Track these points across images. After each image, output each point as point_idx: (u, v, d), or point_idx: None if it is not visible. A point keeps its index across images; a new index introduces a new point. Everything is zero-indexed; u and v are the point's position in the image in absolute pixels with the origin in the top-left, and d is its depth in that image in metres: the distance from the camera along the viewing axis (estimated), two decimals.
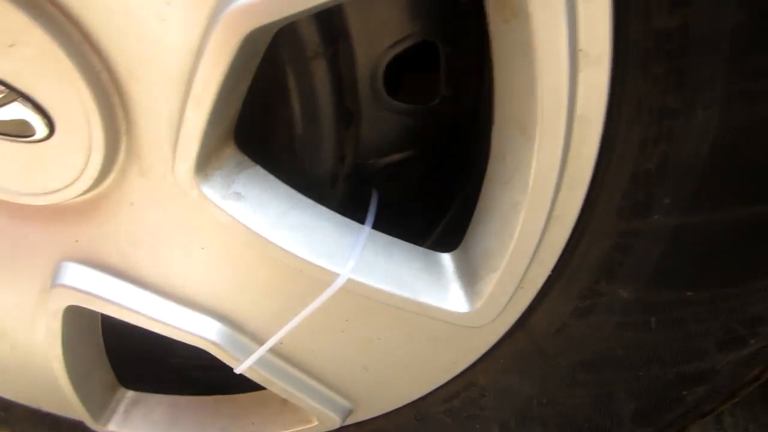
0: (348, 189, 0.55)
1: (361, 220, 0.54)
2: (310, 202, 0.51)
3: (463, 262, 0.54)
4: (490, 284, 0.51)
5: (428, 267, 0.54)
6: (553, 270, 0.52)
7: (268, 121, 0.49)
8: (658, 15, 0.39)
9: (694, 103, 0.41)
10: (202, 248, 0.53)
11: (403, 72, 0.56)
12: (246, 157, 0.49)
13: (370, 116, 0.52)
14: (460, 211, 0.63)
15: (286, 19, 0.37)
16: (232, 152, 0.49)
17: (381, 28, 0.48)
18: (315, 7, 0.36)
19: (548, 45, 0.38)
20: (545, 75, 0.39)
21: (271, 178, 0.49)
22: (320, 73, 0.46)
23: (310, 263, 0.49)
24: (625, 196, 0.46)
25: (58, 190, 0.54)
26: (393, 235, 0.55)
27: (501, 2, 0.39)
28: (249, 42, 0.38)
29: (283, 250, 0.49)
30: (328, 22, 0.46)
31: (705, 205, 0.45)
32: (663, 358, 0.56)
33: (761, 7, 0.37)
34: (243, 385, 0.65)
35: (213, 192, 0.47)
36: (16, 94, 0.48)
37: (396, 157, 0.58)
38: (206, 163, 0.46)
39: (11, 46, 0.45)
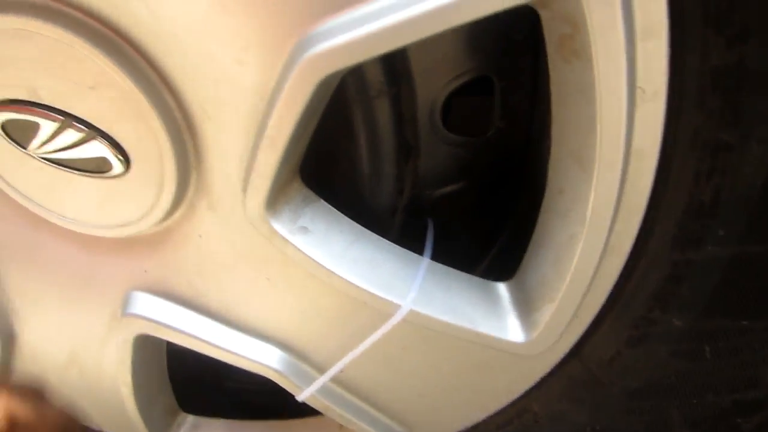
0: (406, 220, 0.57)
1: (419, 250, 0.56)
2: (371, 234, 0.53)
3: (519, 292, 0.55)
4: (546, 314, 0.53)
5: (485, 297, 0.55)
6: (608, 299, 0.53)
7: (332, 156, 0.51)
8: (714, 52, 0.40)
9: (750, 137, 0.42)
10: (268, 279, 0.55)
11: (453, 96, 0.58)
12: (311, 192, 0.51)
13: (428, 149, 0.54)
14: (511, 240, 0.64)
15: (357, 63, 0.39)
16: (298, 187, 0.51)
17: (441, 65, 0.50)
18: (383, 53, 0.38)
19: (608, 84, 0.40)
20: (605, 112, 0.41)
21: (335, 212, 0.52)
22: (383, 110, 0.49)
23: (372, 294, 0.51)
24: (680, 227, 0.48)
25: (131, 223, 0.57)
26: (447, 262, 0.56)
27: (562, 43, 0.41)
28: (322, 86, 0.40)
29: (347, 281, 0.51)
30: (391, 61, 0.49)
31: (760, 236, 0.46)
32: (718, 386, 0.56)
33: None
34: (300, 410, 0.67)
35: (281, 226, 0.50)
36: (95, 132, 0.51)
37: (451, 187, 0.60)
38: (275, 198, 0.49)
39: (92, 88, 0.49)
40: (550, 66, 0.43)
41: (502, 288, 0.56)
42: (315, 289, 0.53)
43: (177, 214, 0.56)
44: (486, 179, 0.60)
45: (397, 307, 0.51)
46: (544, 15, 0.40)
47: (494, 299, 0.56)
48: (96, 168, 0.54)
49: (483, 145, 0.58)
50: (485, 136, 0.57)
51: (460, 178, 0.60)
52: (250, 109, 0.45)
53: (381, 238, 0.53)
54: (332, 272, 0.51)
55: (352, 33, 0.37)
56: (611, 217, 0.46)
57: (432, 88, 0.52)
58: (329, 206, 0.52)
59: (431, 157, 0.56)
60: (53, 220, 0.59)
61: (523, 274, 0.55)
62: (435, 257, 0.56)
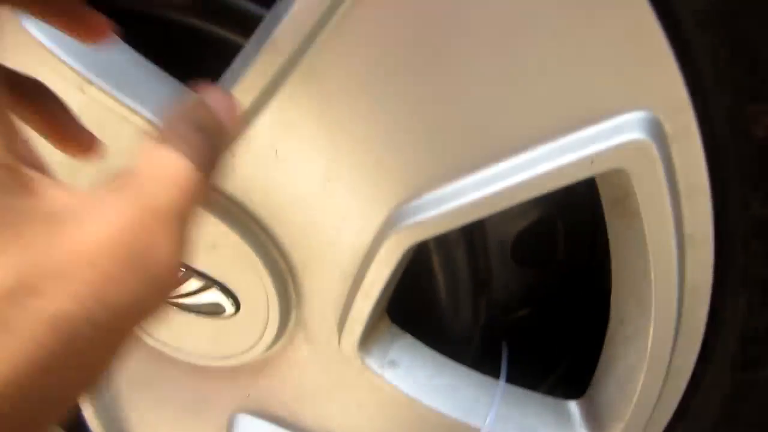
0: (482, 344, 0.63)
1: (495, 370, 0.61)
2: (452, 363, 0.59)
3: (589, 410, 0.60)
4: (616, 431, 0.57)
5: (557, 415, 0.60)
6: (674, 417, 0.57)
7: (416, 294, 0.58)
8: (753, 205, 0.46)
9: None
10: (359, 405, 0.61)
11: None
12: (398, 328, 0.58)
13: (499, 281, 0.61)
14: (579, 359, 0.69)
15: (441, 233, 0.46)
16: (386, 325, 0.58)
17: (511, 214, 0.57)
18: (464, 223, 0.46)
19: (658, 237, 0.46)
20: (656, 261, 0.47)
21: (419, 344, 0.58)
22: (460, 255, 0.55)
23: (454, 420, 0.57)
24: (737, 352, 0.52)
25: (238, 354, 0.64)
26: (520, 380, 0.62)
27: (615, 204, 0.47)
28: (410, 249, 0.48)
29: (431, 408, 0.57)
30: None
31: None
32: None
33: None
34: None
35: (372, 362, 0.56)
36: (213, 282, 0.60)
37: (521, 313, 0.66)
38: (367, 337, 0.56)
39: (213, 247, 0.57)
40: (607, 220, 0.49)
41: (573, 405, 0.61)
42: (402, 415, 0.59)
43: (278, 345, 0.63)
44: (553, 305, 0.66)
45: (477, 430, 0.57)
46: (600, 182, 0.46)
47: (566, 417, 0.60)
48: (212, 310, 0.62)
49: (548, 275, 0.64)
50: (550, 268, 0.63)
51: (529, 304, 0.66)
52: (344, 264, 0.53)
53: (460, 365, 0.59)
54: (418, 400, 0.57)
55: (436, 210, 0.45)
56: (671, 348, 0.51)
57: (502, 230, 0.59)
58: (414, 339, 0.58)
59: (503, 287, 0.62)
60: (172, 353, 0.67)
61: (593, 393, 0.60)
62: (509, 376, 0.62)
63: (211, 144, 0.31)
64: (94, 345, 0.24)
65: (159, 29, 0.49)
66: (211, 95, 0.34)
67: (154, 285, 0.26)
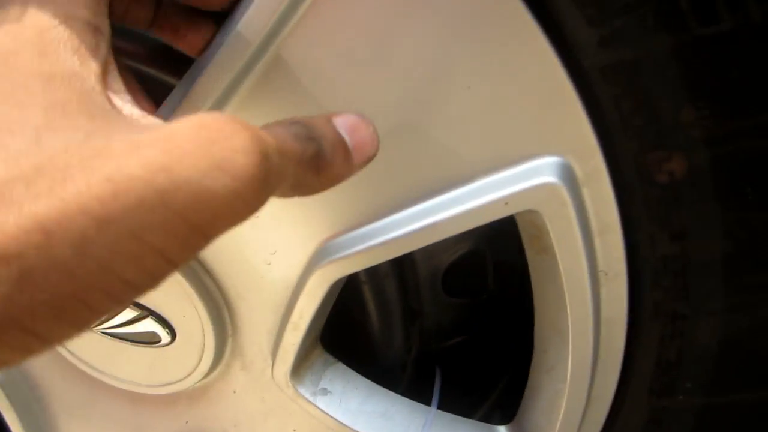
0: (414, 372, 0.65)
1: (427, 399, 0.63)
2: (384, 390, 0.60)
3: None
4: None
5: None
6: None
7: (348, 324, 0.60)
8: (660, 244, 0.49)
9: (699, 310, 0.50)
10: (294, 430, 0.63)
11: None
12: (330, 356, 0.59)
13: (430, 311, 0.63)
14: (509, 386, 0.72)
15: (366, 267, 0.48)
16: (319, 353, 0.59)
17: (442, 247, 0.59)
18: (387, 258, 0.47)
19: (572, 272, 0.48)
20: (572, 294, 0.49)
21: (351, 372, 0.60)
22: (391, 286, 0.57)
23: None
24: (653, 379, 0.55)
25: (175, 382, 0.65)
26: (452, 407, 0.63)
27: (532, 239, 0.49)
28: (337, 283, 0.49)
29: None
30: None
31: (720, 389, 0.53)
32: None
33: (745, 236, 0.46)
34: None
35: (304, 390, 0.58)
36: (148, 311, 0.60)
37: (452, 341, 0.68)
38: (299, 366, 0.57)
39: None
40: (527, 255, 0.51)
41: (502, 431, 0.63)
42: None
43: (214, 373, 0.64)
44: (484, 334, 0.68)
45: None
46: (518, 220, 0.49)
47: None
48: (147, 339, 0.62)
49: (478, 306, 0.66)
50: (479, 299, 0.65)
51: (460, 333, 0.68)
52: (276, 296, 0.54)
53: (391, 392, 0.61)
54: (349, 427, 0.58)
55: (360, 246, 0.47)
56: (590, 374, 0.54)
57: (433, 263, 0.61)
58: (346, 367, 0.60)
59: (434, 317, 0.64)
60: (108, 381, 0.67)
61: (521, 419, 0.62)
62: (441, 403, 0.63)
63: (304, 155, 0.31)
64: (155, 220, 0.23)
65: None
66: (348, 119, 0.35)
67: (226, 181, 0.24)
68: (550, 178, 0.43)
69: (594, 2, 0.37)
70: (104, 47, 0.32)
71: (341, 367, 0.60)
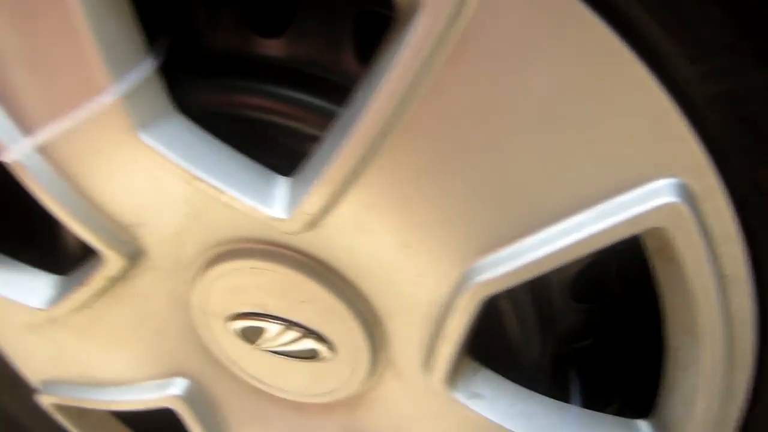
0: (551, 373, 0.70)
1: (564, 398, 0.68)
2: (528, 391, 0.66)
3: (658, 428, 0.66)
4: None
5: None
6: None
7: (491, 333, 0.66)
8: None
9: None
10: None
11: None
12: (478, 363, 0.66)
13: (562, 318, 0.68)
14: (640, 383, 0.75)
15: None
16: (468, 361, 0.65)
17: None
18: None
19: (699, 279, 0.52)
20: (700, 298, 0.53)
21: (499, 376, 0.66)
22: (525, 297, 0.63)
23: None
24: None
25: (334, 391, 0.73)
26: (589, 404, 0.68)
27: (658, 251, 0.54)
28: (485, 299, 0.55)
29: None
30: None
31: None
32: None
33: None
34: None
35: (458, 394, 0.64)
36: (308, 332, 0.68)
37: (583, 343, 0.73)
38: (452, 373, 0.63)
39: (306, 302, 0.66)
40: (654, 265, 0.55)
41: (643, 424, 0.67)
42: None
43: (370, 382, 0.72)
44: (613, 334, 0.73)
45: None
46: (643, 235, 0.53)
47: None
48: (309, 355, 0.71)
49: (605, 309, 0.71)
50: (604, 303, 0.70)
51: (590, 335, 0.73)
52: (425, 313, 0.61)
53: (536, 393, 0.67)
54: (502, 426, 0.64)
55: (507, 266, 0.53)
56: (723, 370, 0.57)
57: (562, 273, 0.66)
58: (493, 373, 0.66)
59: (565, 322, 0.69)
60: (273, 392, 0.76)
61: (660, 414, 0.66)
62: (581, 398, 0.68)
63: None
64: None
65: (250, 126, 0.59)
66: None
67: None
68: (672, 197, 0.47)
69: (695, 43, 0.42)
70: None
71: (488, 372, 0.66)
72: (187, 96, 0.55)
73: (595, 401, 0.68)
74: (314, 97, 0.56)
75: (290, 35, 0.55)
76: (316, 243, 0.60)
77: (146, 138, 0.52)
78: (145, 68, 0.51)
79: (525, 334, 0.66)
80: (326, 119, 0.54)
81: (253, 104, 0.56)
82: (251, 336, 0.71)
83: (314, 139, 0.55)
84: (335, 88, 0.55)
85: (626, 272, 0.69)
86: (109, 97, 0.49)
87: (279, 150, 0.58)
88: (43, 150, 0.56)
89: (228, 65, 0.57)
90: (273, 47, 0.56)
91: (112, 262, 0.63)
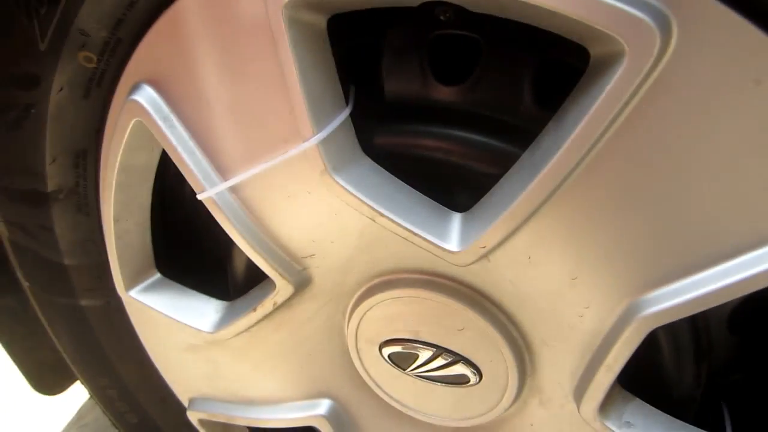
0: (704, 405, 0.70)
1: (714, 428, 0.68)
2: (679, 422, 0.66)
3: None
4: None
5: None
6: None
7: (645, 364, 0.67)
8: None
9: None
10: None
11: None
12: (628, 393, 0.67)
13: (717, 350, 0.68)
14: None
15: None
16: (618, 390, 0.66)
17: None
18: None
19: None
20: None
21: (650, 407, 0.66)
22: (684, 329, 0.64)
23: None
24: None
25: (477, 416, 0.75)
26: None
27: None
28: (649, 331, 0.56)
29: None
30: None
31: None
32: None
33: None
34: None
35: (611, 423, 0.65)
36: (460, 357, 0.71)
37: (736, 377, 0.73)
38: (605, 402, 0.64)
39: (461, 330, 0.68)
40: None
41: None
42: None
43: (513, 408, 0.73)
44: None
45: None
46: None
47: None
48: (456, 381, 0.73)
49: (761, 341, 0.70)
50: (760, 335, 0.69)
51: (744, 368, 0.72)
52: (586, 344, 0.62)
53: (687, 424, 0.67)
54: None
55: (676, 300, 0.54)
56: None
57: (721, 308, 0.66)
58: (644, 403, 0.66)
59: (720, 353, 0.69)
60: (416, 416, 0.79)
61: None
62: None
63: None
64: None
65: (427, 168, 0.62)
66: None
67: None
68: None
69: None
70: None
71: (638, 402, 0.66)
72: (371, 140, 0.59)
73: None
74: (489, 138, 0.58)
75: (471, 82, 0.58)
76: (481, 274, 0.62)
77: (338, 179, 0.56)
78: (341, 116, 0.54)
79: (680, 365, 0.66)
80: (500, 159, 0.57)
81: (430, 146, 0.60)
82: (401, 362, 0.74)
83: (486, 178, 0.57)
84: (512, 131, 0.58)
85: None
86: (310, 144, 0.53)
87: (452, 188, 0.61)
88: (235, 190, 0.61)
89: (410, 111, 0.61)
90: (454, 94, 0.59)
91: (283, 289, 0.67)
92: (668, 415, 0.67)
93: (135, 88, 0.62)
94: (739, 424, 0.72)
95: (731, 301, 0.66)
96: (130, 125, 0.63)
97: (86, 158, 0.70)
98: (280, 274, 0.66)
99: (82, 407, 1.55)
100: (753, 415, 0.75)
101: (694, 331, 0.65)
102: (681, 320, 0.62)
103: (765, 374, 0.74)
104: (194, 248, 0.81)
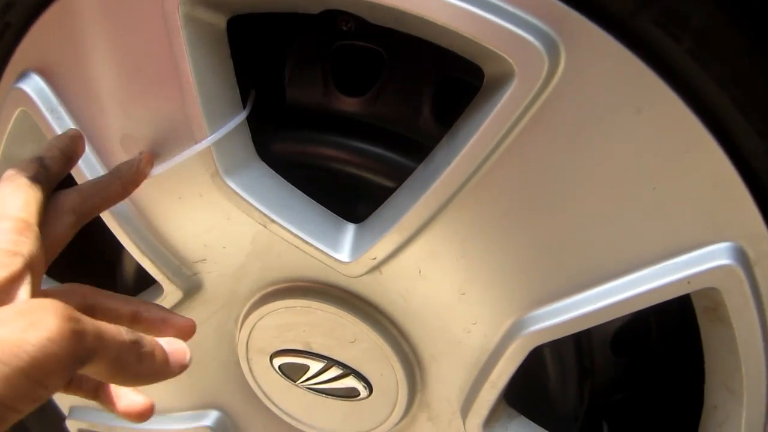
0: (586, 423, 0.72)
1: None
2: None
3: None
4: None
5: None
6: None
7: (530, 382, 0.68)
8: None
9: None
10: None
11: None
12: (513, 410, 0.68)
13: (600, 370, 0.70)
14: None
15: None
16: (504, 407, 0.67)
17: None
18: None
19: (748, 339, 0.54)
20: (747, 357, 0.55)
21: (533, 424, 0.67)
22: (568, 348, 0.65)
23: None
24: None
25: (368, 431, 0.75)
26: None
27: (707, 311, 0.57)
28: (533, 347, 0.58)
29: None
30: None
31: None
32: None
33: None
34: None
35: None
36: (351, 370, 0.70)
37: (617, 397, 0.75)
38: (489, 418, 0.65)
39: (352, 342, 0.68)
40: (700, 323, 0.58)
41: None
42: None
43: (402, 423, 0.73)
44: (649, 389, 0.75)
45: None
46: (693, 294, 0.56)
47: None
48: (346, 394, 0.72)
49: (643, 365, 0.73)
50: (644, 357, 0.72)
51: (625, 389, 0.75)
52: (472, 359, 0.63)
53: None
54: None
55: (558, 318, 0.55)
56: (762, 426, 0.60)
57: (604, 327, 0.68)
58: (528, 420, 0.68)
59: (603, 374, 0.71)
60: (306, 430, 0.78)
61: None
62: None
63: (124, 337, 0.38)
64: None
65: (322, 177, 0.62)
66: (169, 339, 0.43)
67: (39, 333, 0.32)
68: (728, 260, 0.50)
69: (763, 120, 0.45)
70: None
71: (523, 419, 0.68)
72: (268, 145, 0.58)
73: None
74: (387, 151, 0.59)
75: (372, 95, 0.59)
76: (373, 286, 0.62)
77: (230, 182, 0.55)
78: (236, 119, 0.53)
79: (564, 383, 0.68)
80: (396, 172, 0.57)
81: (328, 155, 0.60)
82: (292, 373, 0.73)
83: (382, 190, 0.58)
84: (410, 145, 0.58)
85: (664, 329, 0.71)
86: (202, 146, 0.51)
87: (347, 198, 0.61)
88: None
89: (311, 119, 0.61)
90: (355, 104, 0.59)
91: (171, 294, 0.65)
92: None
93: (22, 75, 0.59)
94: None
95: (614, 323, 0.68)
96: (15, 114, 0.60)
97: None
98: (169, 279, 0.64)
99: None
100: None
101: (578, 350, 0.67)
102: (566, 339, 0.64)
103: (645, 394, 0.77)
104: (82, 249, 0.78)
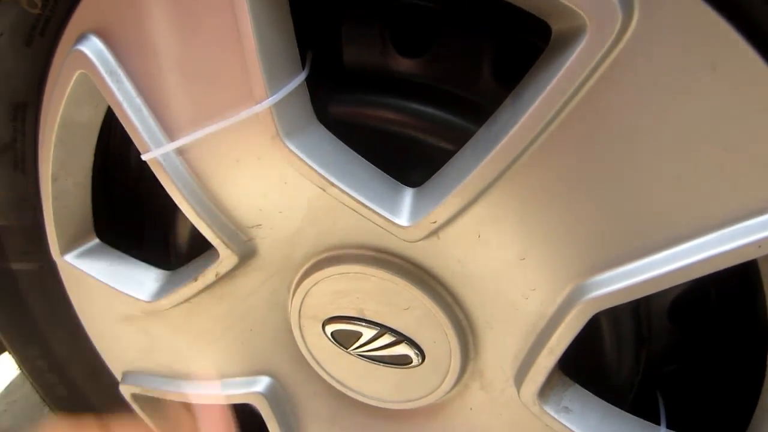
0: (639, 393, 0.71)
1: (649, 416, 0.69)
2: (617, 410, 0.67)
3: None
4: None
5: None
6: None
7: (585, 349, 0.67)
8: None
9: None
10: None
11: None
12: (568, 379, 0.67)
13: (657, 339, 0.69)
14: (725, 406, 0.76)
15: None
16: (559, 375, 0.67)
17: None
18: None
19: None
20: None
21: (588, 393, 0.67)
22: (626, 316, 0.64)
23: None
24: None
25: (418, 399, 0.74)
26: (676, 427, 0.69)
27: None
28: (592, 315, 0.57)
29: None
30: None
31: None
32: None
33: None
34: None
35: (549, 408, 0.65)
36: (404, 338, 0.70)
37: (672, 367, 0.74)
38: (545, 386, 0.65)
39: (406, 309, 0.68)
40: (767, 289, 0.57)
41: None
42: None
43: (454, 392, 0.73)
44: (705, 360, 0.74)
45: None
46: (761, 261, 0.54)
47: None
48: (398, 362, 0.72)
49: (698, 335, 0.72)
50: (698, 329, 0.71)
51: (681, 359, 0.74)
52: (529, 326, 0.62)
53: (623, 411, 0.67)
54: None
55: (622, 283, 0.54)
56: None
57: (663, 297, 0.67)
58: (583, 389, 0.67)
59: (660, 343, 0.70)
60: (356, 397, 0.78)
61: None
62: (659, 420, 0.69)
63: None
64: None
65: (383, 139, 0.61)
66: None
67: None
68: None
69: None
70: None
71: (579, 388, 0.67)
72: (325, 107, 0.58)
73: (680, 425, 0.69)
74: (446, 113, 0.58)
75: (431, 55, 0.58)
76: (429, 252, 0.62)
77: (290, 145, 0.54)
78: (297, 80, 0.53)
79: (620, 352, 0.67)
80: (456, 135, 0.56)
81: (385, 117, 0.59)
82: (344, 340, 0.73)
83: (441, 153, 0.57)
84: (470, 107, 0.57)
85: (726, 301, 0.70)
86: (262, 106, 0.51)
87: (406, 161, 0.60)
88: (182, 152, 0.59)
89: (368, 80, 0.60)
90: (413, 66, 0.58)
91: (227, 259, 0.65)
92: (605, 402, 0.67)
93: (81, 38, 0.59)
94: (672, 414, 0.73)
95: (672, 291, 0.67)
96: (74, 77, 0.61)
97: (26, 112, 0.66)
98: (225, 243, 0.64)
99: (11, 383, 1.50)
100: (686, 406, 0.76)
101: (636, 318, 0.66)
102: (623, 307, 0.63)
103: (700, 365, 0.76)
104: (137, 214, 0.78)
